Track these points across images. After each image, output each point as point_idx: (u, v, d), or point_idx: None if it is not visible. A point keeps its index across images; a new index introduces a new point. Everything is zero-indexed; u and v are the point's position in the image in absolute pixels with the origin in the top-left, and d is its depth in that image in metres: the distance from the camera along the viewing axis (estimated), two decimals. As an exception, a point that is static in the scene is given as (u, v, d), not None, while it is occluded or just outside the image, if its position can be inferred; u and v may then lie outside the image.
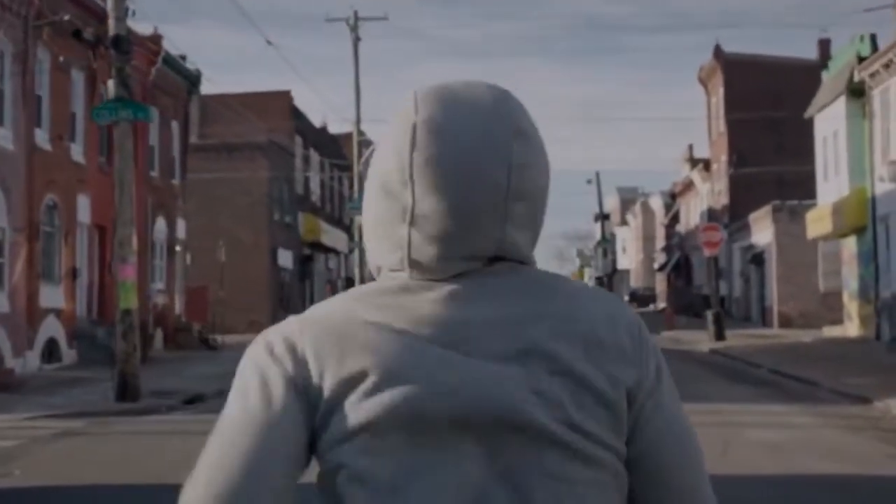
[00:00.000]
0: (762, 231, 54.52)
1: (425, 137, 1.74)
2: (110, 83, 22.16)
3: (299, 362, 1.74)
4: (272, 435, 1.71)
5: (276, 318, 47.15)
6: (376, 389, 1.68)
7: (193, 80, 41.26)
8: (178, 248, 40.24)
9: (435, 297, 1.74)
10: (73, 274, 31.20)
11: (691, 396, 22.40)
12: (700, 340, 42.70)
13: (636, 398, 1.79)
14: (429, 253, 1.74)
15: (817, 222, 42.70)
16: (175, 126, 40.46)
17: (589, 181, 73.00)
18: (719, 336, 41.78)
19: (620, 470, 1.77)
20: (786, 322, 50.65)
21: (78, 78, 31.86)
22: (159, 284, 38.25)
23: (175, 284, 40.28)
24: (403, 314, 1.73)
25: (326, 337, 1.73)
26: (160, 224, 38.23)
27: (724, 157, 64.93)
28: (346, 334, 1.72)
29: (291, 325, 1.78)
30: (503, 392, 1.69)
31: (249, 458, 1.70)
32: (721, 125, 65.61)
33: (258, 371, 1.78)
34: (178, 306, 40.66)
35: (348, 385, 1.70)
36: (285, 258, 57.23)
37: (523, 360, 1.71)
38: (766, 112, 60.35)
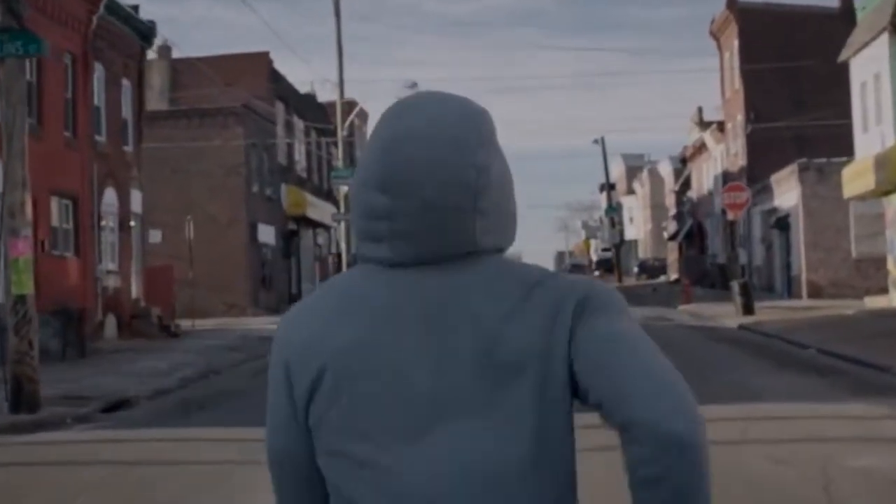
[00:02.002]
0: (786, 193, 49.72)
1: (401, 146, 2.03)
2: (-5, 11, 17.44)
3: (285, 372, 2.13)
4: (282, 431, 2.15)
5: (256, 300, 42.50)
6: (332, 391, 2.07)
7: (146, 33, 36.44)
8: (132, 223, 35.44)
9: (396, 283, 2.07)
10: (-8, 255, 26.53)
11: (736, 391, 17.69)
12: (724, 315, 38.03)
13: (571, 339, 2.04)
14: (406, 247, 2.05)
15: (855, 179, 37.86)
16: (127, 86, 35.65)
17: (595, 141, 68.24)
18: (747, 309, 37.04)
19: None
20: (815, 292, 45.93)
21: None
22: (110, 265, 33.52)
23: (131, 265, 35.53)
24: (361, 304, 2.08)
25: (297, 352, 2.11)
26: (109, 196, 33.44)
27: (739, 116, 60.06)
28: (310, 344, 2.10)
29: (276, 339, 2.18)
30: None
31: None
32: (736, 81, 60.73)
33: (270, 375, 2.19)
34: (136, 289, 35.93)
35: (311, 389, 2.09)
36: (267, 234, 52.51)
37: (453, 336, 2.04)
38: (785, 63, 55.54)
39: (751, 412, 14.21)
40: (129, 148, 35.67)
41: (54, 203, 29.35)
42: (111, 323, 32.52)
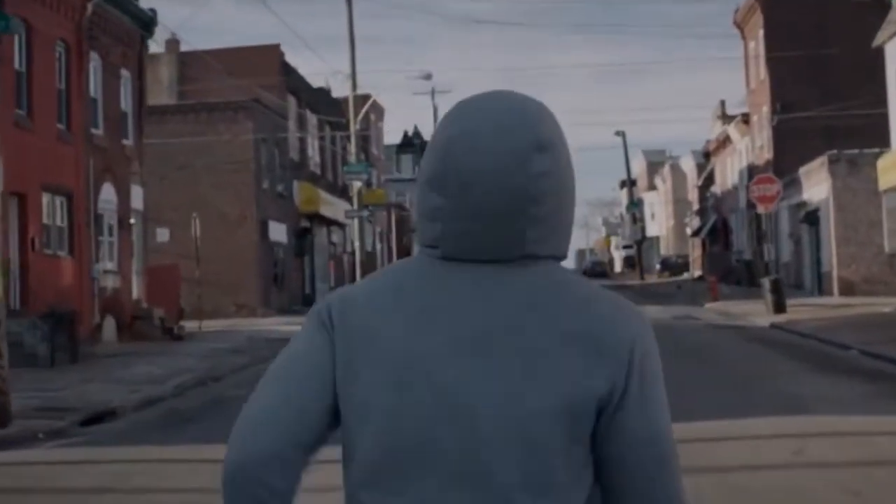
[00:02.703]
0: (816, 186, 47.89)
1: (458, 149, 2.05)
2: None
3: (331, 327, 2.11)
4: (306, 367, 2.09)
5: (267, 300, 40.91)
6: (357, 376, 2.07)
7: (146, 21, 34.80)
8: (132, 220, 33.82)
9: (443, 283, 2.08)
10: (-21, 254, 24.99)
11: (778, 399, 15.76)
12: (754, 313, 36.29)
13: (606, 407, 2.01)
14: (456, 248, 2.07)
15: (891, 170, 36.10)
16: (126, 76, 34.04)
17: (617, 133, 66.43)
18: (779, 308, 35.24)
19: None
20: (847, 289, 44.11)
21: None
22: (109, 264, 31.92)
23: (132, 264, 33.93)
24: (411, 298, 2.08)
25: (342, 316, 2.11)
26: (107, 192, 31.82)
27: (765, 107, 58.21)
28: (352, 318, 2.10)
29: (332, 299, 2.17)
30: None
31: (283, 383, 2.09)
32: (761, 71, 58.90)
33: (309, 324, 2.14)
34: (137, 290, 34.34)
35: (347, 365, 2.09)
36: (278, 232, 50.92)
37: (491, 351, 2.01)
38: (813, 50, 53.68)
39: (805, 427, 12.45)
40: (129, 142, 34.05)
41: (46, 199, 27.78)
42: (110, 325, 30.96)
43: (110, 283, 31.53)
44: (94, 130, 30.93)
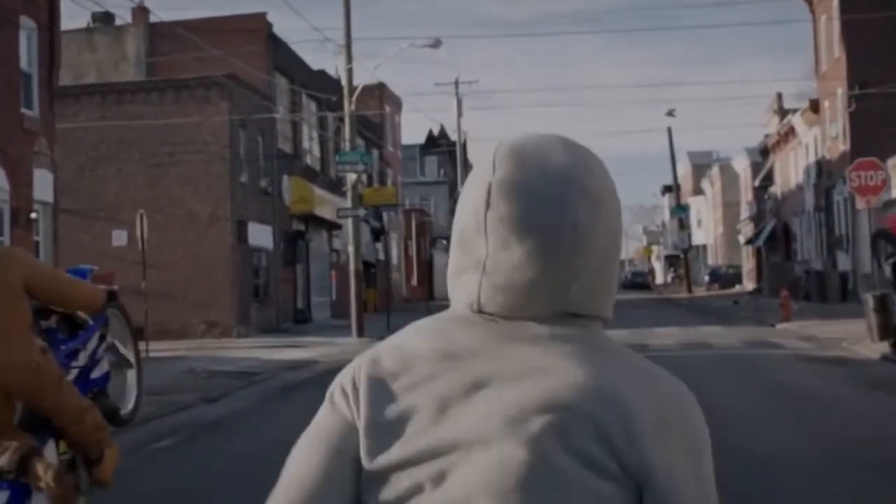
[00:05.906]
0: (908, 180, 39.58)
1: (499, 196, 1.91)
2: None
3: (352, 403, 1.93)
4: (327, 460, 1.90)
5: (245, 318, 31.06)
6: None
7: (54, -47, 26.75)
8: (34, 214, 25.61)
9: (484, 333, 1.92)
10: None
11: None
12: (848, 338, 27.95)
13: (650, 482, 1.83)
14: (497, 301, 1.91)
15: None
16: (31, 27, 25.97)
17: (669, 113, 58.33)
18: (885, 332, 26.68)
19: None
20: (950, 305, 35.65)
21: None
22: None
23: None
24: (449, 342, 1.92)
25: (378, 379, 1.92)
26: (-10, 176, 23.70)
27: (840, 90, 49.74)
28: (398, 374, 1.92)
29: (358, 363, 1.98)
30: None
31: (303, 482, 1.89)
32: (835, 48, 50.43)
33: (326, 404, 1.97)
34: (42, 306, 26.17)
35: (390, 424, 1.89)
36: (261, 235, 42.77)
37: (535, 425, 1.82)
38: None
39: None
40: (32, 112, 25.88)
41: None
42: None
43: None
44: (-34, 92, 22.86)
